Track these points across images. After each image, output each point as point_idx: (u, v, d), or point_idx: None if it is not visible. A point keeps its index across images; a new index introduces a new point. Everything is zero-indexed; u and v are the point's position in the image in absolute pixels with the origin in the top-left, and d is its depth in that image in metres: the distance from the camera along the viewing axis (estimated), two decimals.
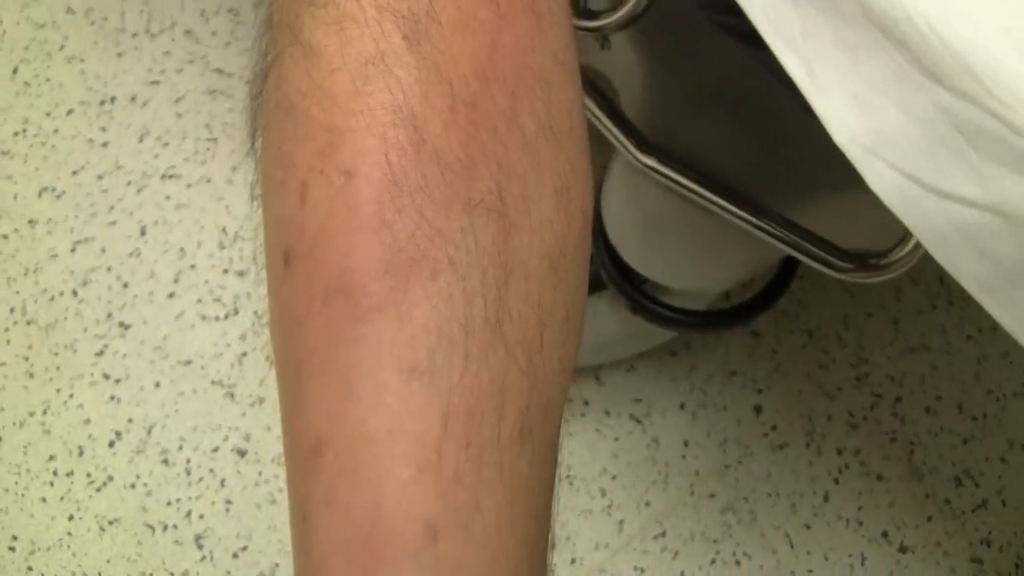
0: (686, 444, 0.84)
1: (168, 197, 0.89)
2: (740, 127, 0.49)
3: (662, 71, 0.50)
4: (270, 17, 0.26)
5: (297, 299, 0.24)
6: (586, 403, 0.84)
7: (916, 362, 0.88)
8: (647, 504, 0.82)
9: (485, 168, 0.23)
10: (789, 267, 0.71)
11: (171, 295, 0.86)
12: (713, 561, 0.81)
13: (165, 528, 0.79)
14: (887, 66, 0.26)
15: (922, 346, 0.88)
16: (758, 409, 0.85)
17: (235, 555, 0.79)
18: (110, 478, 0.80)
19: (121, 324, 0.85)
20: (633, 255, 0.63)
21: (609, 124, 0.49)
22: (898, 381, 0.87)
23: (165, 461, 0.81)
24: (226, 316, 0.85)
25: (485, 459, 0.23)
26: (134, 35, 0.97)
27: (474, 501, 0.22)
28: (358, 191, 0.22)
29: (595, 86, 0.50)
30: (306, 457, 0.23)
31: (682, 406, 0.85)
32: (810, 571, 0.81)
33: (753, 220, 0.49)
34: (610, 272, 0.65)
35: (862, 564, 0.82)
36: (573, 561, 0.81)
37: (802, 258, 0.49)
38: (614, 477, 0.83)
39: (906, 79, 0.25)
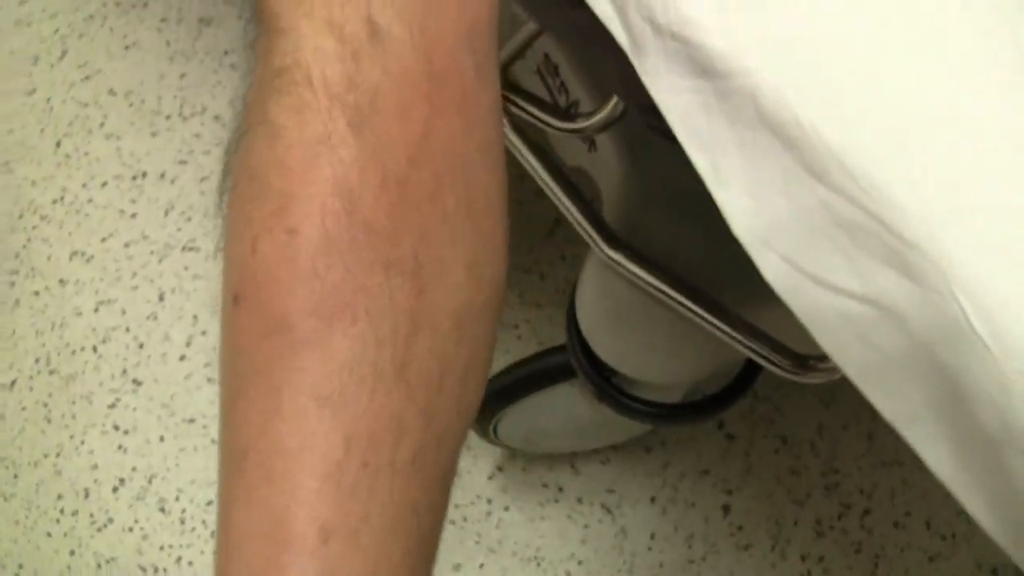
0: (653, 537, 1.01)
1: (187, 267, 1.14)
2: (703, 229, 0.54)
3: (635, 172, 0.60)
4: (245, 98, 0.34)
5: (241, 332, 0.32)
6: (560, 489, 1.04)
7: (887, 476, 1.00)
8: None
9: (407, 236, 0.32)
10: (754, 366, 0.78)
11: (182, 357, 1.09)
12: None
13: (156, 571, 1.00)
14: (778, 164, 0.32)
15: (895, 461, 1.00)
16: (726, 509, 1.03)
17: None
18: (111, 520, 1.02)
19: (134, 380, 1.08)
20: (601, 345, 0.74)
21: (580, 218, 0.59)
22: (868, 493, 1.00)
23: (162, 509, 1.02)
24: None
25: (379, 479, 0.31)
26: (168, 117, 1.23)
27: (365, 513, 0.31)
28: (298, 247, 0.31)
29: (571, 184, 0.60)
30: (234, 461, 0.32)
31: (652, 500, 1.03)
32: None
33: (707, 318, 0.57)
34: (579, 360, 0.76)
35: None
36: None
37: (749, 355, 0.57)
38: (580, 563, 1.00)
39: (793, 176, 0.32)
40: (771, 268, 0.34)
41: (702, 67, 0.34)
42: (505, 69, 0.59)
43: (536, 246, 1.11)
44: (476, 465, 1.03)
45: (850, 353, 0.33)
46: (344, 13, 0.33)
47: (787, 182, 0.33)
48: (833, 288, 0.32)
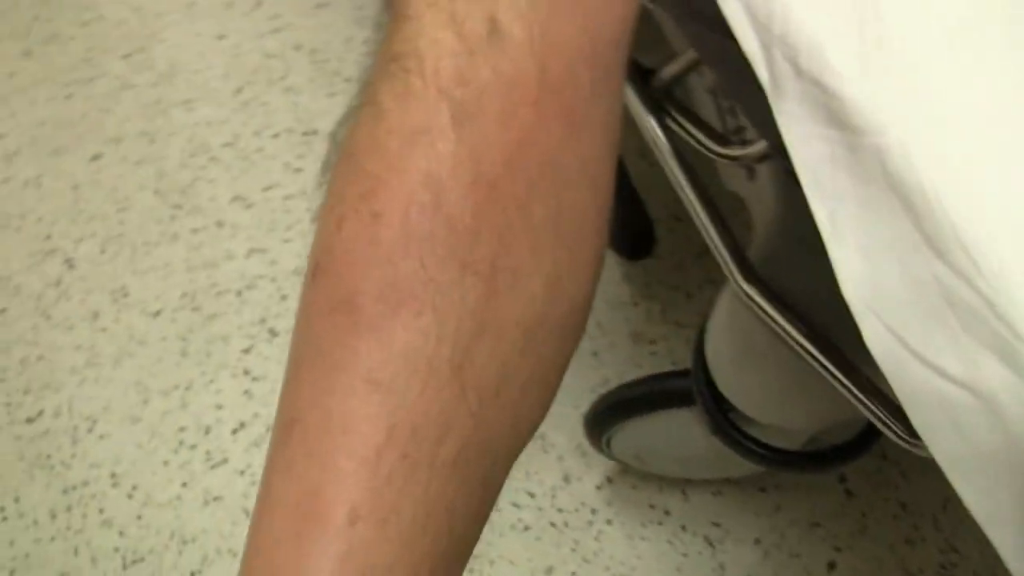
0: None
1: None
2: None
3: (786, 209, 0.62)
4: (364, 77, 0.36)
5: (312, 305, 0.34)
6: (666, 513, 1.07)
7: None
8: None
9: (487, 239, 0.33)
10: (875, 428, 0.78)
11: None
12: None
13: None
14: (897, 229, 0.33)
15: None
16: (831, 566, 1.02)
17: None
18: (225, 460, 1.09)
19: (271, 330, 1.17)
20: (722, 378, 0.77)
21: (720, 245, 0.62)
22: None
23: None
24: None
25: (416, 473, 0.32)
26: (347, 80, 1.32)
27: (396, 504, 0.32)
28: (379, 232, 0.32)
29: (717, 210, 0.62)
30: (283, 430, 0.33)
31: (757, 541, 1.03)
32: None
33: (830, 369, 0.57)
34: (700, 389, 0.80)
35: None
36: None
37: (866, 414, 0.56)
38: None
39: (910, 243, 0.33)
40: (874, 335, 0.35)
41: (837, 117, 0.36)
42: (670, 84, 0.61)
43: (686, 265, 1.16)
44: (587, 473, 1.08)
45: (942, 438, 0.33)
46: (468, 8, 0.34)
47: (903, 250, 0.33)
48: (934, 367, 0.33)
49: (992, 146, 0.34)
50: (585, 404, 1.09)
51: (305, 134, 1.28)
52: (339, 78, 1.31)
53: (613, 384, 1.09)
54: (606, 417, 0.94)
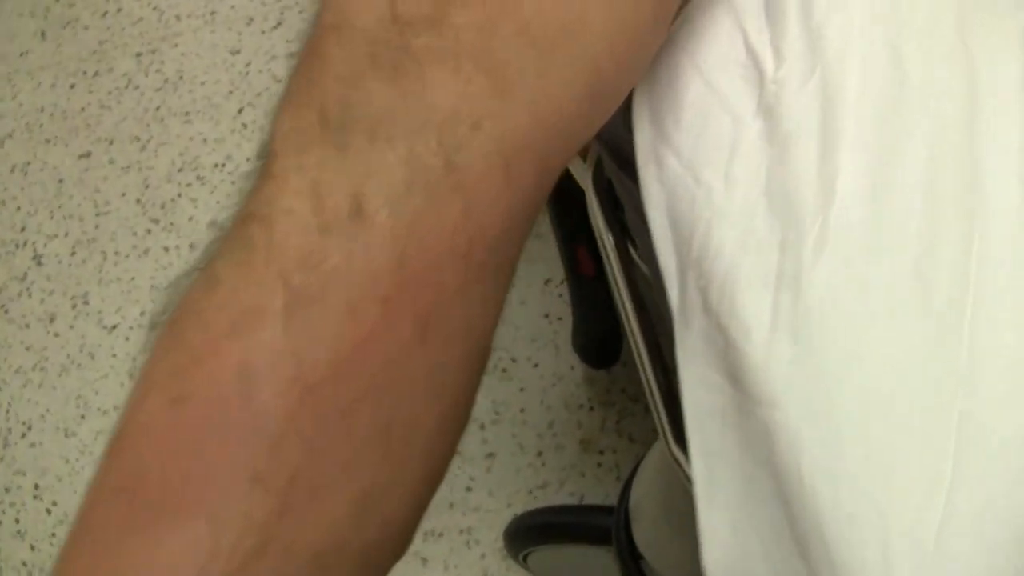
0: None
1: None
2: None
3: None
4: (220, 226, 0.32)
5: (104, 472, 0.31)
6: None
7: None
8: None
9: (291, 449, 0.30)
10: None
11: None
12: None
13: None
14: (767, 511, 0.34)
15: None
16: None
17: None
18: None
19: None
20: (640, 529, 0.77)
21: (656, 395, 0.59)
22: None
23: None
24: None
25: None
26: None
27: None
28: (177, 418, 0.30)
29: (661, 358, 0.60)
30: None
31: None
32: None
33: None
34: (618, 535, 0.80)
35: None
36: None
37: None
38: None
39: (777, 531, 0.33)
40: None
41: (735, 373, 0.35)
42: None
43: None
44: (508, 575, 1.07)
45: None
46: (334, 180, 0.31)
47: (770, 536, 0.34)
48: None
49: (883, 454, 0.33)
50: (519, 505, 1.08)
51: None
52: None
53: (552, 489, 1.07)
54: (525, 537, 0.93)
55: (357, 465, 0.31)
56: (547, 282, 1.16)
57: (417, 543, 1.10)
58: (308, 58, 0.33)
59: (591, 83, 0.33)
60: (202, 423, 0.30)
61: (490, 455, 1.12)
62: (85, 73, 1.36)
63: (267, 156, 0.32)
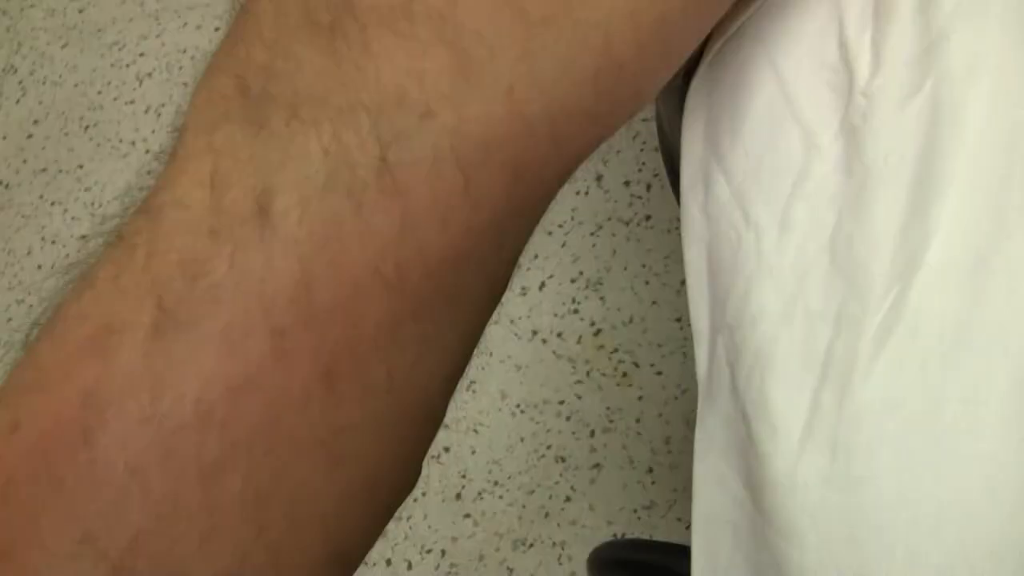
0: None
1: None
2: None
3: None
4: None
5: None
6: None
7: None
8: None
9: (133, 506, 0.24)
10: None
11: None
12: None
13: None
14: None
15: None
16: None
17: None
18: None
19: None
20: None
21: None
22: None
23: None
24: None
25: None
26: None
27: None
28: (9, 452, 0.25)
29: None
30: None
31: None
32: None
33: None
34: None
35: None
36: None
37: None
38: None
39: None
40: None
41: (754, 481, 0.28)
42: None
43: None
44: None
45: None
46: (240, 167, 0.24)
47: None
48: None
49: None
50: (621, 524, 1.01)
51: None
52: None
53: (659, 512, 0.99)
54: (605, 569, 0.86)
55: (219, 539, 0.25)
56: (684, 283, 1.07)
57: (505, 551, 1.04)
58: (240, 13, 0.26)
59: (600, 69, 0.25)
60: (34, 460, 0.24)
61: (596, 466, 1.04)
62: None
63: (178, 131, 0.26)
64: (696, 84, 0.32)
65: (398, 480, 0.28)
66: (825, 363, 0.26)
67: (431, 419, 0.28)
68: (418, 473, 0.29)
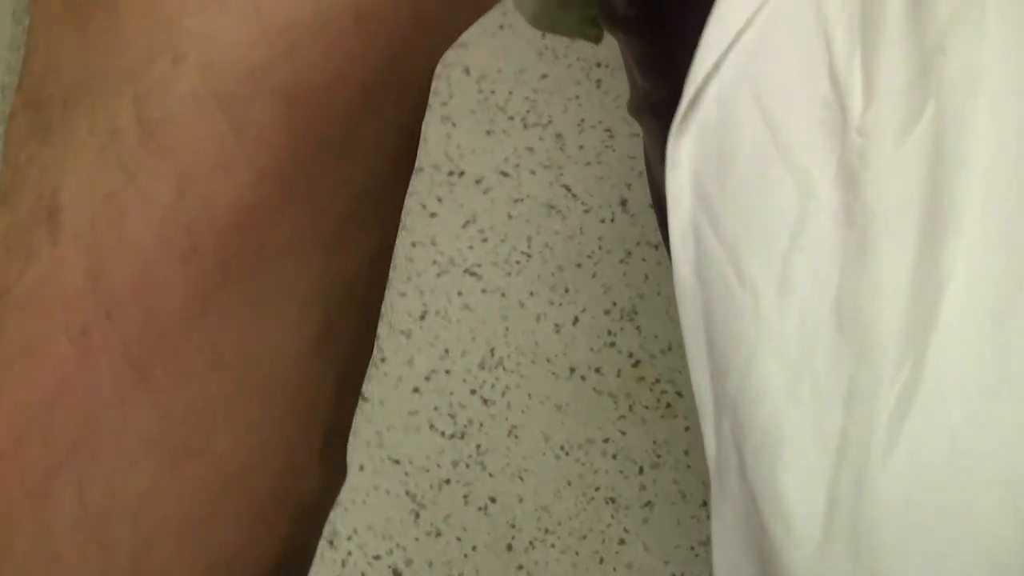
0: None
1: (460, 293, 1.12)
2: None
3: None
4: None
5: None
6: None
7: None
8: None
9: None
10: None
11: (415, 389, 1.09)
12: None
13: None
14: None
15: None
16: None
17: None
18: None
19: (361, 396, 1.09)
20: None
21: None
22: None
23: (331, 542, 1.04)
24: (451, 435, 1.07)
25: None
26: (510, 118, 1.21)
27: None
28: None
29: None
30: None
31: None
32: None
33: None
34: None
35: None
36: None
37: None
38: None
39: None
40: None
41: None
42: None
43: None
44: None
45: None
46: (31, 174, 0.23)
47: None
48: None
49: None
50: (678, 562, 0.98)
51: (451, 174, 1.17)
52: (502, 114, 1.20)
53: None
54: None
55: (60, 568, 0.23)
56: None
57: None
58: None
59: None
60: None
61: (648, 504, 1.01)
62: None
63: None
64: (678, 126, 0.29)
65: (286, 472, 0.25)
66: (840, 447, 0.23)
67: (307, 388, 0.25)
68: (336, 464, 0.27)
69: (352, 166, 0.24)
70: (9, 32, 1.44)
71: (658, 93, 0.33)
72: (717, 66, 0.28)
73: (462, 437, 1.06)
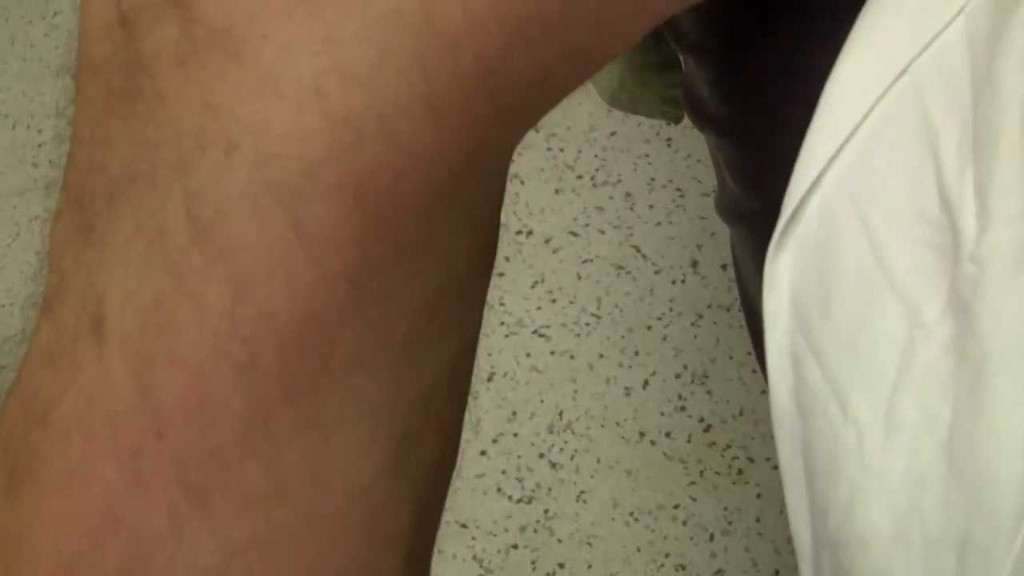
0: None
1: (529, 355, 1.12)
2: None
3: None
4: None
5: None
6: None
7: None
8: None
9: None
10: None
11: (483, 452, 1.08)
12: None
13: None
14: None
15: None
16: None
17: None
18: None
19: None
20: None
21: None
22: None
23: None
24: (519, 500, 1.06)
25: None
26: (579, 176, 1.21)
27: None
28: None
29: None
30: None
31: None
32: None
33: None
34: None
35: None
36: None
37: None
38: None
39: None
40: None
41: None
42: None
43: None
44: None
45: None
46: (75, 282, 0.22)
47: None
48: None
49: None
50: None
51: (519, 233, 1.17)
52: (571, 173, 1.19)
53: None
54: None
55: None
56: None
57: None
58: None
59: (425, 48, 0.20)
60: None
61: (719, 572, 0.99)
62: None
63: None
64: (777, 241, 0.28)
65: None
66: None
67: (382, 515, 0.23)
68: None
69: (427, 266, 0.22)
70: (53, 125, 1.46)
71: (751, 203, 0.32)
72: (818, 180, 0.27)
73: (530, 502, 1.05)
